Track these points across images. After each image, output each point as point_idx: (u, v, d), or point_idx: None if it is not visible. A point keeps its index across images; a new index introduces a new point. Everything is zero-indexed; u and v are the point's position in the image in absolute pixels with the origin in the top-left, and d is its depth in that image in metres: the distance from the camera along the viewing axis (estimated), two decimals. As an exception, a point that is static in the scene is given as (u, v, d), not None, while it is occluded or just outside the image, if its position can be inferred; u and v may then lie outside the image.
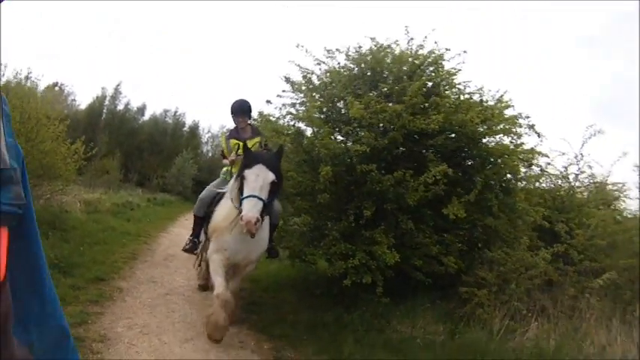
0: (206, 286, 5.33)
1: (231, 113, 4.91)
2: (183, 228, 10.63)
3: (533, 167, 6.28)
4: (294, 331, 4.58)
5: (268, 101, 5.87)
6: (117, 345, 3.57)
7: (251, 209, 3.67)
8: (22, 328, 0.73)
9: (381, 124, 5.10)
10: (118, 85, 22.54)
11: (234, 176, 4.21)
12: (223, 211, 4.22)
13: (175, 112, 24.65)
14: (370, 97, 5.15)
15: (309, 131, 5.60)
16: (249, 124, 5.01)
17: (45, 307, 0.78)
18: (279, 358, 4.03)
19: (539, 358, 4.26)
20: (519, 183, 6.14)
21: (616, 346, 4.53)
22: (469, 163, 5.64)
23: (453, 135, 5.36)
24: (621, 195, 7.65)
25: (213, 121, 51.85)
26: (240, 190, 3.87)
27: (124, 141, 20.39)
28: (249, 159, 3.93)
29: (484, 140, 5.62)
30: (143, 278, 5.70)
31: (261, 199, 3.74)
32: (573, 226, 6.21)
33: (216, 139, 25.26)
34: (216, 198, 4.53)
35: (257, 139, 4.84)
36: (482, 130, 5.39)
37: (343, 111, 5.45)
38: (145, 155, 21.31)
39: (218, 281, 4.02)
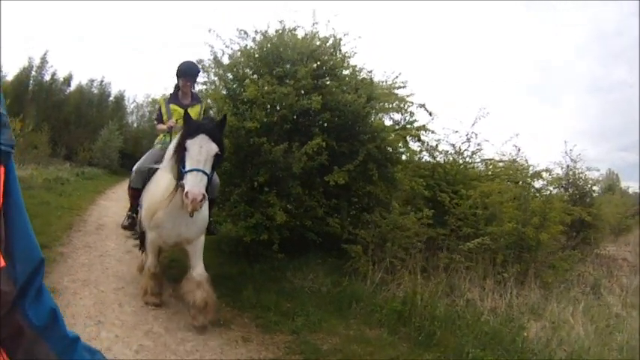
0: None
1: (179, 75, 4.64)
2: (110, 201, 11.31)
3: (425, 142, 7.21)
4: (204, 282, 5.35)
5: None
6: (65, 294, 4.42)
7: (197, 184, 3.36)
8: (11, 263, 0.73)
9: (274, 104, 5.63)
10: (45, 54, 21.16)
11: (172, 145, 3.93)
12: (160, 185, 3.93)
13: (101, 81, 23.69)
14: (265, 78, 5.65)
15: (214, 108, 6.06)
16: (191, 91, 4.80)
17: (27, 243, 0.78)
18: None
19: (403, 303, 4.84)
20: (403, 156, 6.98)
21: (487, 301, 5.16)
22: (362, 137, 6.18)
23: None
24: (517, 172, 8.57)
25: (139, 90, 50.96)
26: (182, 161, 3.54)
27: (51, 114, 19.48)
28: (191, 128, 3.58)
29: (372, 118, 6.38)
30: (80, 244, 6.41)
31: (206, 173, 3.44)
32: (456, 197, 6.93)
33: (141, 109, 24.47)
34: (152, 170, 4.30)
35: (198, 107, 4.71)
36: (366, 108, 5.99)
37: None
38: (72, 128, 20.43)
39: (150, 258, 4.33)
